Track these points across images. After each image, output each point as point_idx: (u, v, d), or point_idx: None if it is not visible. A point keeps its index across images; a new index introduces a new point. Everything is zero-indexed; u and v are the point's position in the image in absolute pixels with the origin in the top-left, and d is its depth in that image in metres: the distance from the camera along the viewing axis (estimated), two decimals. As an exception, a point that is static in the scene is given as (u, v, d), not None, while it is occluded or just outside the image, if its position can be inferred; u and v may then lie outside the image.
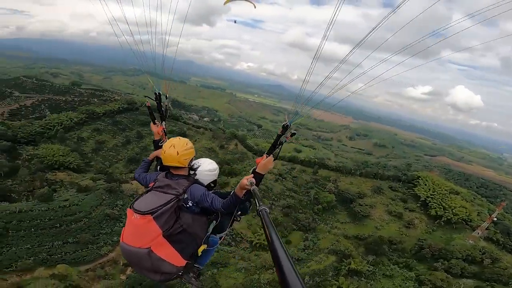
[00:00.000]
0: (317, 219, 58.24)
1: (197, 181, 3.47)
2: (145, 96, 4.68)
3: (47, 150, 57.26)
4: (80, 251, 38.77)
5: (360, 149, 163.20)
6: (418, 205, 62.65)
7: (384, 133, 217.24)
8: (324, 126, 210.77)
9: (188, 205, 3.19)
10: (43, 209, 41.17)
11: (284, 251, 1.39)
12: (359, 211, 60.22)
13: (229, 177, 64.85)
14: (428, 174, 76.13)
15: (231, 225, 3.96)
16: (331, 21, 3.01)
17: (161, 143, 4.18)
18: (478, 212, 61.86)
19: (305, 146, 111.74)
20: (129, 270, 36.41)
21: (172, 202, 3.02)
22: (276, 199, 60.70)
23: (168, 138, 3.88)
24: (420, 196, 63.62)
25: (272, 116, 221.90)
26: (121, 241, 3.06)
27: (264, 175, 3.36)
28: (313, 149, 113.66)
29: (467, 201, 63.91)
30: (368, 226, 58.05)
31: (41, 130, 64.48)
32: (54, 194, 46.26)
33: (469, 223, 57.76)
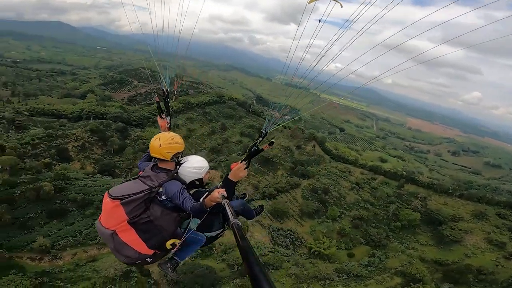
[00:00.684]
0: (391, 236, 52.87)
1: (176, 177, 3.48)
2: (154, 92, 4.90)
3: (150, 133, 67.62)
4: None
5: (464, 166, 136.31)
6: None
7: (501, 152, 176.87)
8: (420, 136, 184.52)
9: (161, 199, 3.28)
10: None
11: (259, 266, 1.39)
12: (448, 234, 52.01)
13: (301, 179, 63.37)
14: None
15: (223, 227, 3.90)
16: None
17: None
18: None
19: (393, 156, 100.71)
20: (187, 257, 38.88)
21: (143, 193, 3.16)
22: (347, 208, 57.27)
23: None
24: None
25: (357, 120, 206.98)
26: (98, 220, 3.29)
27: (236, 182, 3.29)
28: (402, 160, 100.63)
29: None
30: (456, 252, 49.63)
31: (148, 115, 76.56)
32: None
33: None
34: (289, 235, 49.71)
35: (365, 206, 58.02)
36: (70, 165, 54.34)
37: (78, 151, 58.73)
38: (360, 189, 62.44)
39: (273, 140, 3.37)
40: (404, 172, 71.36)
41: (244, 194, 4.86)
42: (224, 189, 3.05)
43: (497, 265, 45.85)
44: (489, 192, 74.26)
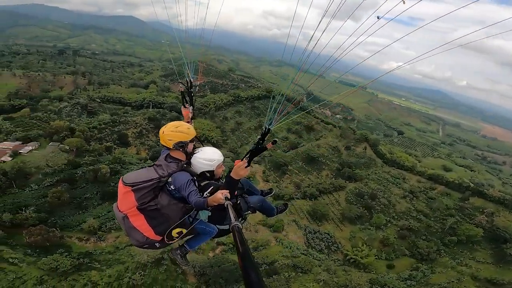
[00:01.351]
0: (442, 251, 48.24)
1: (186, 168, 3.46)
2: (179, 82, 4.86)
3: (200, 123, 71.03)
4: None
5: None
6: None
7: None
8: (496, 145, 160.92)
9: (170, 188, 3.36)
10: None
11: (257, 273, 1.39)
12: (512, 254, 45.73)
13: (347, 182, 60.19)
14: None
15: (243, 218, 3.92)
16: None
17: None
18: None
19: (460, 166, 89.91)
20: (218, 250, 38.46)
21: (152, 182, 3.27)
22: (396, 217, 53.24)
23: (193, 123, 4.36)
24: None
25: (420, 124, 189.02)
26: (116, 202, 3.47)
27: (238, 180, 3.23)
28: (471, 170, 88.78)
29: None
30: (516, 272, 43.39)
31: (200, 106, 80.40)
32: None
33: None
34: (325, 238, 47.93)
35: (418, 216, 53.98)
36: (127, 150, 59.70)
37: (136, 137, 64.44)
38: (414, 198, 58.15)
39: (276, 139, 3.29)
40: (471, 184, 64.20)
41: (271, 189, 4.86)
42: (227, 191, 3.04)
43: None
44: None
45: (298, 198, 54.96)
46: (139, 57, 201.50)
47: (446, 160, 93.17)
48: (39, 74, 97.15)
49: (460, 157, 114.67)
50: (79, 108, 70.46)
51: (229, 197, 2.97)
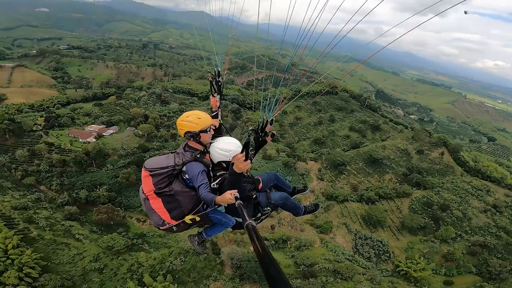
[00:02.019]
0: None
1: (199, 158, 3.48)
2: (208, 72, 4.88)
3: (258, 117, 72.11)
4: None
5: None
6: None
7: None
8: None
9: (185, 177, 3.48)
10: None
11: (275, 267, 1.38)
12: None
13: (414, 188, 54.33)
14: None
15: (263, 214, 3.84)
16: None
17: (213, 114, 4.38)
18: None
19: None
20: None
21: (167, 169, 3.43)
22: (469, 231, 47.32)
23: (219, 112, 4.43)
24: None
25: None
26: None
27: (240, 174, 3.08)
28: None
29: None
30: None
31: (260, 99, 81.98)
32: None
33: None
34: (376, 246, 44.80)
35: (497, 233, 47.14)
36: (189, 138, 65.66)
37: (197, 126, 69.95)
38: (498, 213, 50.83)
39: (274, 132, 3.18)
40: None
41: (305, 186, 4.68)
42: (236, 190, 3.01)
43: None
44: None
45: (353, 201, 52.11)
46: (208, 51, 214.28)
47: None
48: (126, 66, 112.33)
49: None
50: (154, 97, 79.06)
51: (238, 197, 2.93)
